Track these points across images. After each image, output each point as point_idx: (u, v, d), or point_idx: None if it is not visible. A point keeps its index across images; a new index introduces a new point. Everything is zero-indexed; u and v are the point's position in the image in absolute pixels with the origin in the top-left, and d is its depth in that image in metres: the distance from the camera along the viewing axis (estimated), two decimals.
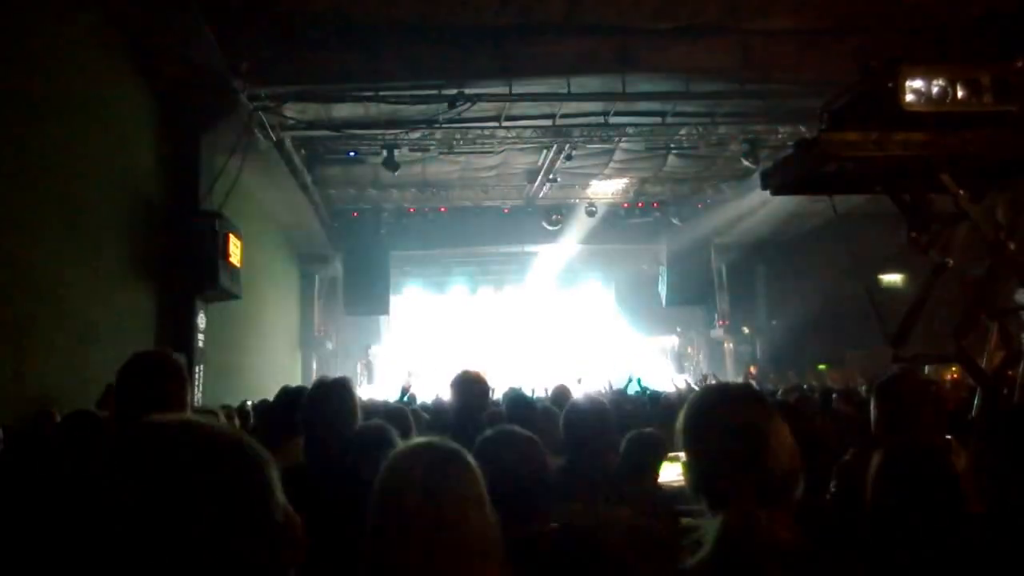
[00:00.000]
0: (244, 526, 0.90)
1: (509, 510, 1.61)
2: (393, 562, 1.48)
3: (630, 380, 11.13)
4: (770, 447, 1.53)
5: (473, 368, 4.34)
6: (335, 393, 3.09)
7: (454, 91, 10.74)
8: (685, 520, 1.84)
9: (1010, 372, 3.60)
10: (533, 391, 9.36)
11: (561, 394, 5.97)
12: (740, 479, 1.50)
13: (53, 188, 7.03)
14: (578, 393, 6.94)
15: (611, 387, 11.24)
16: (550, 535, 2.12)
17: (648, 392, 10.46)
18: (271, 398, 6.52)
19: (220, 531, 0.88)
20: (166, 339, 9.01)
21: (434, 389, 13.28)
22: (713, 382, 12.00)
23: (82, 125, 7.60)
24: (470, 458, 1.62)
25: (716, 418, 1.61)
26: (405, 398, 8.40)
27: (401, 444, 2.81)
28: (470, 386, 4.18)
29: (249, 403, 8.71)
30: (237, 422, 5.58)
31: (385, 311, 19.09)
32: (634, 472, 3.41)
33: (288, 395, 4.39)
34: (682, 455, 4.80)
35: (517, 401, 5.08)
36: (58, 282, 7.06)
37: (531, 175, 16.01)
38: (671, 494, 4.07)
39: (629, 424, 4.40)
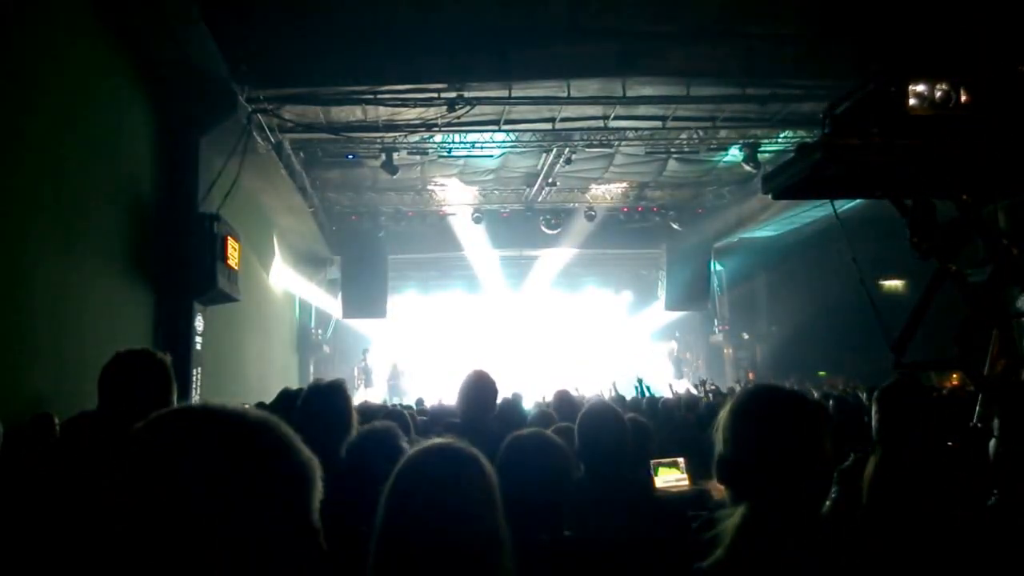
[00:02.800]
0: (285, 521, 0.90)
1: (526, 514, 1.58)
2: (398, 562, 1.47)
3: (640, 382, 11.08)
4: (808, 454, 1.57)
5: (481, 369, 4.25)
6: (330, 396, 3.06)
7: (453, 94, 10.73)
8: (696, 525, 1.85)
9: (1012, 379, 3.57)
10: (544, 398, 9.33)
11: (562, 399, 5.92)
12: (773, 476, 1.54)
13: (50, 190, 6.99)
14: (585, 399, 6.90)
15: (615, 390, 11.19)
16: (563, 544, 2.10)
17: (647, 394, 10.42)
18: (268, 401, 6.51)
19: (262, 521, 0.87)
20: (164, 342, 8.98)
21: (433, 393, 13.30)
22: (712, 387, 12.03)
23: (79, 127, 7.57)
24: (484, 462, 1.60)
25: (764, 415, 1.63)
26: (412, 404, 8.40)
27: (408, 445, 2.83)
28: (480, 387, 4.10)
29: (247, 406, 8.68)
30: None
31: (383, 314, 19.04)
32: (633, 470, 3.38)
33: (288, 398, 4.36)
34: (681, 461, 4.78)
35: (510, 410, 5.05)
36: (55, 285, 7.03)
37: (530, 179, 15.99)
38: (674, 499, 4.06)
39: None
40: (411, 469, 1.57)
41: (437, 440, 1.64)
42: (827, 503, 3.20)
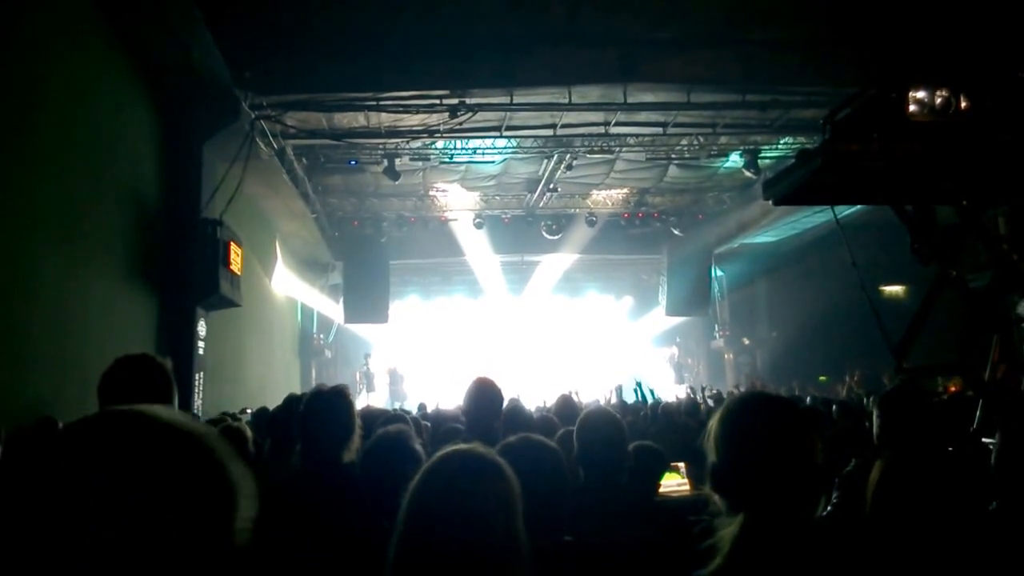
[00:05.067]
0: (200, 538, 0.87)
1: (525, 520, 1.60)
2: (417, 564, 1.49)
3: (638, 384, 11.07)
4: (799, 460, 1.58)
5: (487, 375, 4.23)
6: (333, 402, 3.07)
7: (455, 100, 10.76)
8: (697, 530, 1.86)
9: (1012, 384, 3.58)
10: (544, 402, 9.32)
11: (564, 405, 5.93)
12: (766, 484, 1.54)
13: (55, 196, 7.01)
14: (584, 404, 6.88)
15: (620, 394, 11.15)
16: (563, 549, 2.10)
17: (652, 398, 10.41)
18: (271, 406, 6.51)
19: (176, 535, 0.84)
20: (167, 347, 8.99)
21: (433, 398, 13.30)
22: (713, 394, 12.03)
23: (82, 133, 7.59)
24: (507, 469, 1.60)
25: (753, 424, 1.63)
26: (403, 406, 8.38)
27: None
28: (485, 393, 4.09)
29: (249, 411, 8.68)
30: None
31: (385, 320, 19.05)
32: (639, 484, 3.38)
33: (294, 403, 4.36)
34: (682, 466, 4.78)
35: (515, 412, 5.04)
36: (59, 290, 7.04)
37: (531, 185, 16.01)
38: (675, 505, 4.05)
39: (631, 434, 4.36)
40: (433, 473, 1.58)
41: (461, 446, 1.65)
42: (829, 508, 3.21)
